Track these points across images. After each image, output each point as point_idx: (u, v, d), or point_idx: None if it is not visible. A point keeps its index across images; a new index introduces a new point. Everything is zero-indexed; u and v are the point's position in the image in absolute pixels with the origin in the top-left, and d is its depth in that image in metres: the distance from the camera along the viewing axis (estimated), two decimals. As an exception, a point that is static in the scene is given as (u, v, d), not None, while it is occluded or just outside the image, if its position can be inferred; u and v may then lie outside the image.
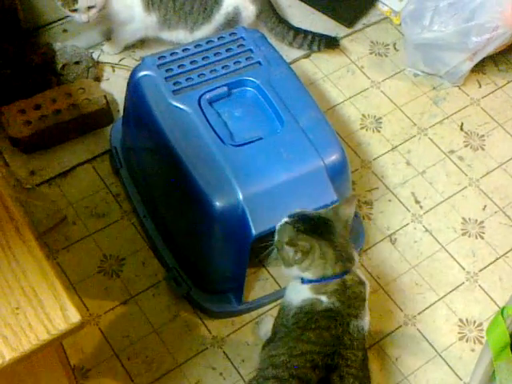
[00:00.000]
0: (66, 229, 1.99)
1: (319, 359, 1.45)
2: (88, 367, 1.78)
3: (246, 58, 1.93)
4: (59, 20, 2.33)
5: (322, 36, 2.40)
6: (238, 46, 1.96)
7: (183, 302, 1.89)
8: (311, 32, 2.39)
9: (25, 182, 2.04)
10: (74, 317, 1.03)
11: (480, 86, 2.42)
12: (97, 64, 2.30)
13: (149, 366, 1.80)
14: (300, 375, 1.45)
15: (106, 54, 2.33)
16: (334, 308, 1.52)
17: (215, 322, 1.87)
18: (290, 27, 2.37)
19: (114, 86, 2.29)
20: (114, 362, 1.80)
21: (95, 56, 2.32)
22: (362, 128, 2.29)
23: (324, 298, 1.53)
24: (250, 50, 1.95)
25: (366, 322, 1.55)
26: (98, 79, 2.27)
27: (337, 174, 1.78)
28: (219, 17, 2.23)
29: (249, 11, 2.28)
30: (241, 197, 1.68)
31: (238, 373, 1.80)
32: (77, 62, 2.23)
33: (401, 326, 1.90)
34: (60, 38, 2.33)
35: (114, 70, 2.32)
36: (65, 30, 2.34)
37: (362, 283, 1.56)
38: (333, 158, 1.78)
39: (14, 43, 2.19)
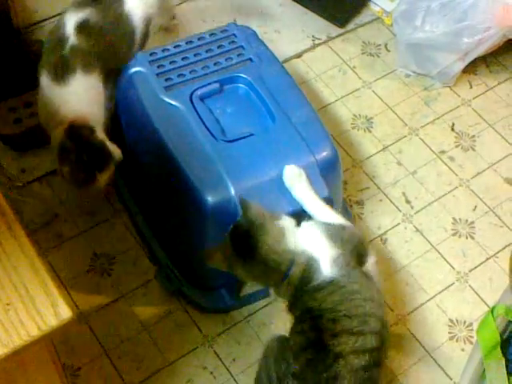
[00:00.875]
0: (56, 227, 1.98)
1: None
2: (78, 365, 1.77)
3: (238, 55, 1.94)
4: (51, 18, 2.32)
5: None
6: (230, 43, 1.97)
7: (174, 301, 1.88)
8: None
9: (16, 179, 2.03)
10: (65, 313, 1.03)
11: (471, 87, 2.43)
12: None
13: (139, 365, 1.79)
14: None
15: None
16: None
17: (206, 321, 1.87)
18: None
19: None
20: (104, 360, 1.79)
21: (87, 54, 2.31)
22: (354, 128, 2.29)
23: None
24: (242, 46, 1.96)
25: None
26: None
27: (328, 169, 1.79)
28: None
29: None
30: (233, 192, 1.68)
31: (229, 372, 1.80)
32: (68, 60, 2.22)
33: (391, 326, 1.89)
34: (52, 36, 2.32)
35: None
36: (57, 28, 2.33)
37: (310, 267, 1.53)
38: (324, 154, 1.79)
39: (6, 40, 2.19)
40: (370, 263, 1.60)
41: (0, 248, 1.08)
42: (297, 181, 1.69)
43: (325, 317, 1.48)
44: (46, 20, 2.33)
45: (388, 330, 1.57)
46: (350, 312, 1.48)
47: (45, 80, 1.87)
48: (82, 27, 1.89)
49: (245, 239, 1.54)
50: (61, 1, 2.27)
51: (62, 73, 1.84)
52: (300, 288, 1.53)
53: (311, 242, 1.56)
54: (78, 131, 1.78)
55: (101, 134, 1.81)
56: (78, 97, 1.84)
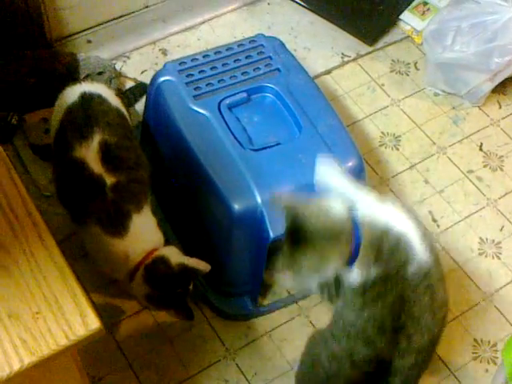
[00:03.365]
0: (83, 237, 1.99)
1: (387, 322, 1.36)
2: (100, 376, 1.78)
3: (266, 65, 1.97)
4: (84, 30, 2.35)
5: (132, 89, 2.23)
6: (258, 53, 2.00)
7: (197, 313, 1.89)
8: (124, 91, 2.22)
9: (44, 189, 2.05)
10: (94, 323, 1.04)
11: (500, 107, 2.42)
12: (119, 75, 2.32)
13: (161, 377, 1.80)
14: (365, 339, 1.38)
15: None
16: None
17: (229, 335, 1.87)
18: None
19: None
20: (127, 371, 1.80)
21: (118, 67, 2.34)
22: (381, 145, 2.29)
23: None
24: (270, 57, 1.99)
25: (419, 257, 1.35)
26: (120, 90, 2.29)
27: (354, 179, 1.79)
28: None
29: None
30: (259, 200, 1.70)
31: (251, 386, 1.81)
32: (100, 73, 2.24)
33: (415, 345, 1.89)
34: (84, 49, 2.34)
35: (136, 82, 2.34)
36: (89, 41, 2.36)
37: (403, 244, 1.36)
38: (350, 163, 1.81)
39: (39, 52, 2.22)
40: None
41: (31, 257, 1.09)
42: (333, 170, 1.58)
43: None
44: (78, 33, 2.36)
45: None
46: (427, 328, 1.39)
47: (98, 234, 1.67)
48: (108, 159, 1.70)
49: (294, 231, 1.39)
50: (92, 15, 2.32)
51: (117, 222, 1.67)
52: (393, 269, 1.35)
53: (396, 218, 1.38)
54: (156, 272, 1.67)
55: (174, 257, 1.69)
56: (142, 234, 1.71)
